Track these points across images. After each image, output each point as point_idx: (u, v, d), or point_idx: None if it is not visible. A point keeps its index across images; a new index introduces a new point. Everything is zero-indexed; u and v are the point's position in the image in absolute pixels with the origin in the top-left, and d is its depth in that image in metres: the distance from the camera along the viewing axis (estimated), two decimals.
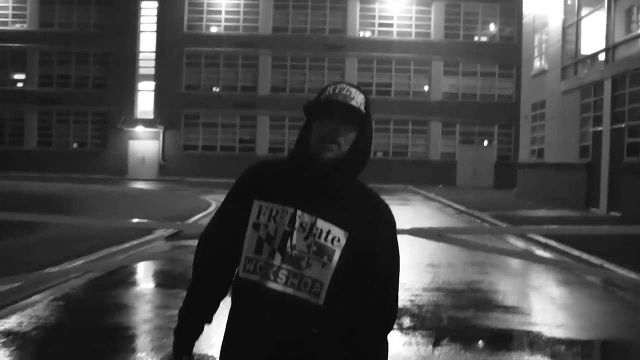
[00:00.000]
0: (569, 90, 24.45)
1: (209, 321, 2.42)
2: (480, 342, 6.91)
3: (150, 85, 42.32)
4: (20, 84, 43.16)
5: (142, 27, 42.40)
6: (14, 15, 42.92)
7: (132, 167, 41.63)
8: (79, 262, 9.88)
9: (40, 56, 42.51)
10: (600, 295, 9.87)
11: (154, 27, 42.25)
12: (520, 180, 30.57)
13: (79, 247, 11.08)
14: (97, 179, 35.89)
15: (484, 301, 8.99)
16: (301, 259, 2.23)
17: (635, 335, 7.81)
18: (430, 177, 39.38)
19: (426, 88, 41.86)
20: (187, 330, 2.39)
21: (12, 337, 6.57)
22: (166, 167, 41.50)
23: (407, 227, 7.58)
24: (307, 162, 2.29)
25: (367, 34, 42.00)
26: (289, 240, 2.23)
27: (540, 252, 13.39)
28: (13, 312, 7.44)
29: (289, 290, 2.22)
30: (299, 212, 2.24)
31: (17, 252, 10.49)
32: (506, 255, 11.05)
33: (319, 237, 2.23)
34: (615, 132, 20.39)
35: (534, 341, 6.97)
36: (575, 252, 12.24)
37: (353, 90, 2.32)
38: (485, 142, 41.53)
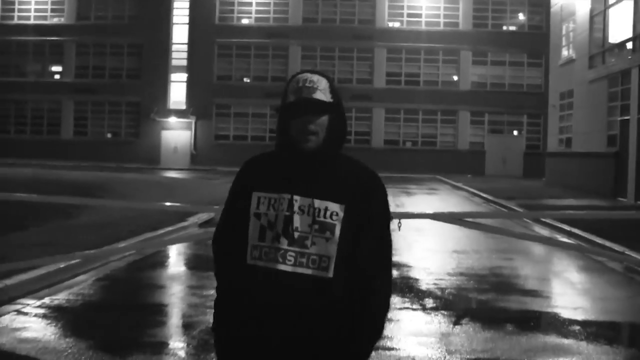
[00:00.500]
0: (597, 79, 24.41)
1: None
2: (499, 322, 7.19)
3: (183, 76, 42.98)
4: (57, 76, 44.24)
5: (174, 19, 43.10)
6: (52, 10, 44.03)
7: (164, 156, 42.31)
8: (119, 245, 10.42)
9: (76, 48, 43.50)
10: (620, 280, 10.01)
11: (187, 19, 42.90)
12: (549, 169, 30.53)
13: (119, 232, 11.66)
14: (130, 168, 36.54)
15: (506, 285, 9.25)
16: (305, 239, 2.32)
17: None
18: (459, 167, 39.45)
19: (455, 78, 41.87)
20: (222, 327, 2.47)
21: (62, 311, 7.15)
22: (197, 157, 42.09)
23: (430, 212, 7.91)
24: (293, 152, 2.40)
25: (396, 24, 42.09)
26: (291, 224, 2.33)
27: (564, 239, 13.57)
28: (60, 290, 8.00)
29: (298, 270, 2.31)
30: (295, 197, 2.34)
31: (63, 236, 11.07)
32: (530, 240, 11.27)
33: (319, 215, 2.33)
34: None
35: (551, 322, 7.23)
36: (599, 240, 12.39)
37: (315, 78, 2.41)
38: (515, 132, 41.45)
